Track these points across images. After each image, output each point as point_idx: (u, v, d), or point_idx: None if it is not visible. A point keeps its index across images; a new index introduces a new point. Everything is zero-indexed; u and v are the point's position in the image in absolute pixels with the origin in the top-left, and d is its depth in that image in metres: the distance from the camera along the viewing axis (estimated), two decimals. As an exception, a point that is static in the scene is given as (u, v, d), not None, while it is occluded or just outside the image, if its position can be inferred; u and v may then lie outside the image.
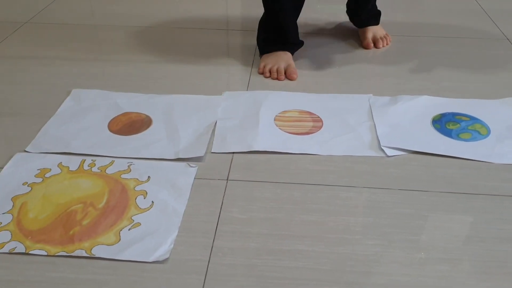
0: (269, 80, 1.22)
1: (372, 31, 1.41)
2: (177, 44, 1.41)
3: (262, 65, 1.27)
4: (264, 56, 1.29)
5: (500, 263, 0.74)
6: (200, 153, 0.94)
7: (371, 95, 1.16)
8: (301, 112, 1.09)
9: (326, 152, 0.97)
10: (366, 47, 1.39)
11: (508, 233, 0.79)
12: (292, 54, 1.31)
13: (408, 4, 1.71)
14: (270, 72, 1.24)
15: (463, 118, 1.07)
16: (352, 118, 1.07)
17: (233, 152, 0.96)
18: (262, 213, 0.82)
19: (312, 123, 1.05)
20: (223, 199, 0.84)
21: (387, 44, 1.41)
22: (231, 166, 0.92)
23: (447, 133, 1.02)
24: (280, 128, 1.03)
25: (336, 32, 1.49)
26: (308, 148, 0.97)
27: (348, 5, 1.46)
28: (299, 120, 1.06)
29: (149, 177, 0.89)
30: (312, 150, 0.97)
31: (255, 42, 1.40)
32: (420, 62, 1.32)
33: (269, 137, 1.00)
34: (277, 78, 1.23)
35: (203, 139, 0.98)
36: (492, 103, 1.13)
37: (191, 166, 0.91)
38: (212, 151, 0.96)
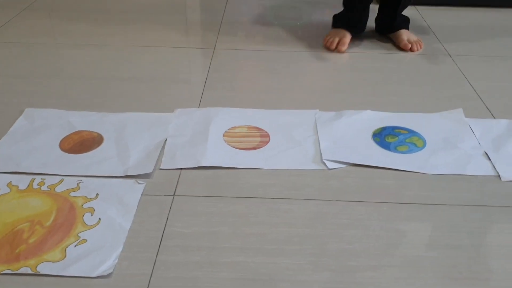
0: (221, 97, 1.26)
1: (406, 34, 1.56)
2: (132, 62, 1.44)
3: (327, 36, 1.56)
4: (332, 30, 1.59)
5: (428, 268, 0.79)
6: (148, 169, 0.97)
7: (318, 110, 1.21)
8: (250, 127, 1.13)
9: (271, 166, 1.01)
10: (404, 48, 1.54)
11: (437, 239, 0.84)
12: (352, 34, 1.56)
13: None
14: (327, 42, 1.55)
15: (402, 131, 1.13)
16: (298, 133, 1.12)
17: (181, 168, 0.99)
18: (205, 227, 0.85)
19: (259, 138, 1.10)
20: (168, 215, 0.87)
21: (420, 48, 1.55)
22: (179, 182, 0.96)
23: (386, 146, 1.08)
24: (228, 144, 1.07)
25: (290, 49, 1.55)
26: (254, 163, 1.01)
27: (378, 17, 1.64)
28: (247, 136, 1.10)
29: (97, 194, 0.92)
30: (257, 165, 1.01)
31: (210, 59, 1.45)
32: (366, 77, 1.39)
33: (217, 153, 1.04)
34: (328, 47, 1.54)
35: (152, 156, 1.02)
36: (431, 116, 1.20)
37: (139, 183, 0.94)
38: (160, 167, 0.99)
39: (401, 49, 1.54)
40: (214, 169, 0.99)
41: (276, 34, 1.66)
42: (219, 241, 0.82)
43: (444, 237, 0.85)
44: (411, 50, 1.53)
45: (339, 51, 1.52)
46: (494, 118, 1.19)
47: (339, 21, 1.59)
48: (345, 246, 0.82)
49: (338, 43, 1.53)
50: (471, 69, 1.43)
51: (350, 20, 1.57)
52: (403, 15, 1.60)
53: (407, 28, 1.59)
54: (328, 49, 1.53)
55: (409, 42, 1.54)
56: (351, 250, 0.81)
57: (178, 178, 0.97)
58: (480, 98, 1.28)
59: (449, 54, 1.52)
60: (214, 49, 1.53)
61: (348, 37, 1.54)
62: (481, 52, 1.54)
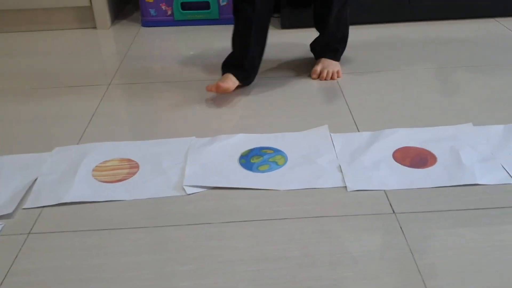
0: (103, 132, 1.30)
1: (324, 64, 1.57)
2: (24, 104, 1.48)
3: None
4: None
5: (257, 280, 0.84)
6: (9, 210, 1.01)
7: (194, 137, 1.26)
8: (121, 160, 1.18)
9: (132, 197, 1.06)
10: (311, 74, 1.57)
11: (271, 253, 0.89)
12: (240, 79, 1.47)
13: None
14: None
15: (268, 151, 1.20)
16: (167, 161, 1.17)
17: (44, 206, 1.03)
18: (52, 262, 0.89)
19: (128, 170, 1.14)
20: (18, 253, 0.91)
21: (331, 78, 1.55)
22: (38, 219, 1.00)
23: (249, 166, 1.14)
24: (95, 178, 1.12)
25: (186, 79, 1.61)
26: (115, 195, 1.06)
27: (313, 42, 1.65)
28: (117, 168, 1.15)
29: (-46, 239, 0.95)
30: (118, 197, 1.06)
31: (102, 95, 1.51)
32: (251, 102, 1.45)
33: (81, 188, 1.08)
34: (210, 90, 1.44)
35: (16, 197, 1.05)
36: (298, 135, 1.26)
37: (-2, 224, 0.98)
38: (24, 207, 1.03)
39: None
40: (76, 204, 1.04)
41: (177, 65, 1.73)
42: (62, 274, 0.86)
43: (278, 250, 0.90)
44: (319, 78, 1.55)
45: (219, 87, 1.41)
46: (359, 131, 1.26)
47: (227, 67, 1.50)
48: (181, 268, 0.87)
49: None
50: (350, 85, 1.51)
51: (240, 62, 1.48)
52: (333, 45, 1.58)
53: (332, 58, 1.58)
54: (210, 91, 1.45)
55: (322, 71, 1.55)
56: (186, 272, 0.86)
57: (38, 216, 1.01)
58: (351, 113, 1.35)
59: (334, 72, 1.60)
60: (109, 84, 1.59)
61: (234, 81, 1.44)
62: (362, 68, 1.62)
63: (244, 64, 1.48)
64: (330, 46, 1.59)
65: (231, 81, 1.44)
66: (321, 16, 1.55)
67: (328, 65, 1.57)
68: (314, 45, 1.65)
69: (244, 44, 1.46)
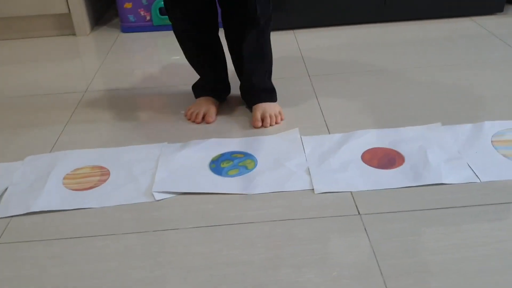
0: (77, 140, 1.31)
1: (261, 109, 1.34)
2: None
3: (187, 108, 1.40)
4: (195, 101, 1.43)
5: (223, 285, 0.85)
6: (-24, 221, 1.02)
7: (166, 143, 1.27)
8: (93, 167, 1.19)
9: (101, 205, 1.06)
10: (254, 126, 1.32)
11: (234, 257, 0.90)
12: (218, 99, 1.43)
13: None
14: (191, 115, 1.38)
15: (238, 155, 1.20)
16: (139, 167, 1.17)
17: (12, 216, 1.04)
18: (18, 271, 0.89)
19: (99, 178, 1.15)
20: (-16, 264, 0.92)
21: (276, 123, 1.32)
22: (6, 229, 1.00)
23: (219, 171, 1.15)
24: (65, 186, 1.12)
25: (164, 85, 1.62)
26: (85, 203, 1.06)
27: (240, 87, 1.44)
28: (88, 176, 1.15)
29: None
30: (88, 205, 1.06)
31: (78, 102, 1.51)
32: (219, 106, 1.45)
33: (51, 197, 1.08)
34: (194, 121, 1.37)
35: (-15, 207, 1.06)
36: (269, 138, 1.26)
37: (-36, 235, 0.98)
38: (-9, 217, 1.04)
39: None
40: (45, 213, 1.04)
41: (155, 71, 1.74)
42: (27, 284, 0.87)
43: (243, 254, 0.90)
44: (263, 126, 1.32)
45: (208, 123, 1.35)
46: (329, 133, 1.27)
47: (200, 90, 1.44)
48: (148, 274, 0.87)
49: (204, 115, 1.37)
50: (323, 87, 1.52)
51: (210, 85, 1.43)
52: (266, 84, 1.39)
53: (267, 101, 1.36)
54: (194, 123, 1.36)
55: (263, 117, 1.32)
56: (152, 278, 0.87)
57: (6, 226, 1.01)
58: (323, 115, 1.36)
59: (308, 75, 1.61)
60: (85, 91, 1.59)
61: (214, 105, 1.40)
62: (336, 70, 1.63)
63: (217, 87, 1.44)
64: (263, 87, 1.37)
65: (214, 106, 1.38)
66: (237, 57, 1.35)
67: (266, 109, 1.34)
68: (245, 92, 1.42)
69: (211, 74, 1.42)
